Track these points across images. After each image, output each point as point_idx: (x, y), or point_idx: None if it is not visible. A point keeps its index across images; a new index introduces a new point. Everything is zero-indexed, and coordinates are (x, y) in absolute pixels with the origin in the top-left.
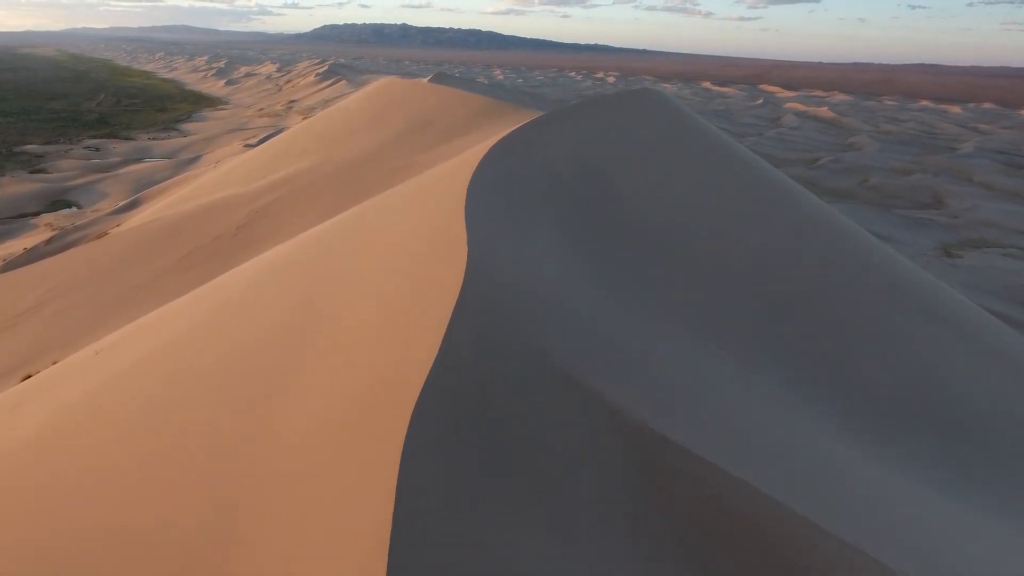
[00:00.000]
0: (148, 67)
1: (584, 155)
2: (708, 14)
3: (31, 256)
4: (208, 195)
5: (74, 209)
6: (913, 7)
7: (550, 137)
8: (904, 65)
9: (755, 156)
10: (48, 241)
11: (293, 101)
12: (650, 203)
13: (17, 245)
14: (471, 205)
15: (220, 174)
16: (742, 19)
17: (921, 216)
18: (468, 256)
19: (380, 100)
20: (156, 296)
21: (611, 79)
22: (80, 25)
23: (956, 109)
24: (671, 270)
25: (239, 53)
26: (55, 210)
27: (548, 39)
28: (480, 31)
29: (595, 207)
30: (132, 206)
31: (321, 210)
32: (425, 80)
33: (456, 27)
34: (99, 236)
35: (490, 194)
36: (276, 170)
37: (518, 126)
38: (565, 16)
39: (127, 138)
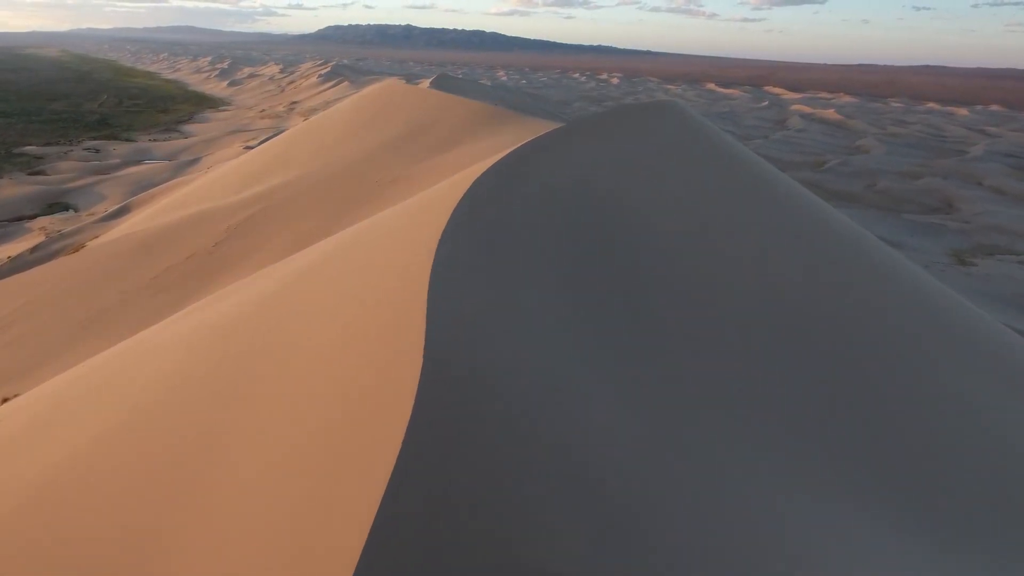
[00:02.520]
0: (152, 68)
1: (589, 182)
2: (712, 15)
3: (15, 265)
4: (191, 206)
5: (71, 212)
6: (917, 8)
7: (551, 157)
8: (909, 66)
9: (782, 174)
10: (33, 249)
11: (295, 102)
12: (664, 231)
13: (11, 249)
14: (442, 265)
15: (207, 181)
16: (746, 20)
17: (931, 221)
18: (424, 356)
19: (374, 106)
20: (123, 320)
21: (615, 80)
22: (85, 26)
23: (963, 111)
24: (684, 324)
25: (243, 54)
26: (52, 213)
27: (552, 40)
28: (484, 32)
29: (599, 244)
30: (121, 212)
31: (300, 229)
32: (422, 83)
33: (460, 28)
34: (76, 249)
35: (475, 234)
36: (261, 179)
37: (516, 147)
38: (569, 17)
39: (128, 139)
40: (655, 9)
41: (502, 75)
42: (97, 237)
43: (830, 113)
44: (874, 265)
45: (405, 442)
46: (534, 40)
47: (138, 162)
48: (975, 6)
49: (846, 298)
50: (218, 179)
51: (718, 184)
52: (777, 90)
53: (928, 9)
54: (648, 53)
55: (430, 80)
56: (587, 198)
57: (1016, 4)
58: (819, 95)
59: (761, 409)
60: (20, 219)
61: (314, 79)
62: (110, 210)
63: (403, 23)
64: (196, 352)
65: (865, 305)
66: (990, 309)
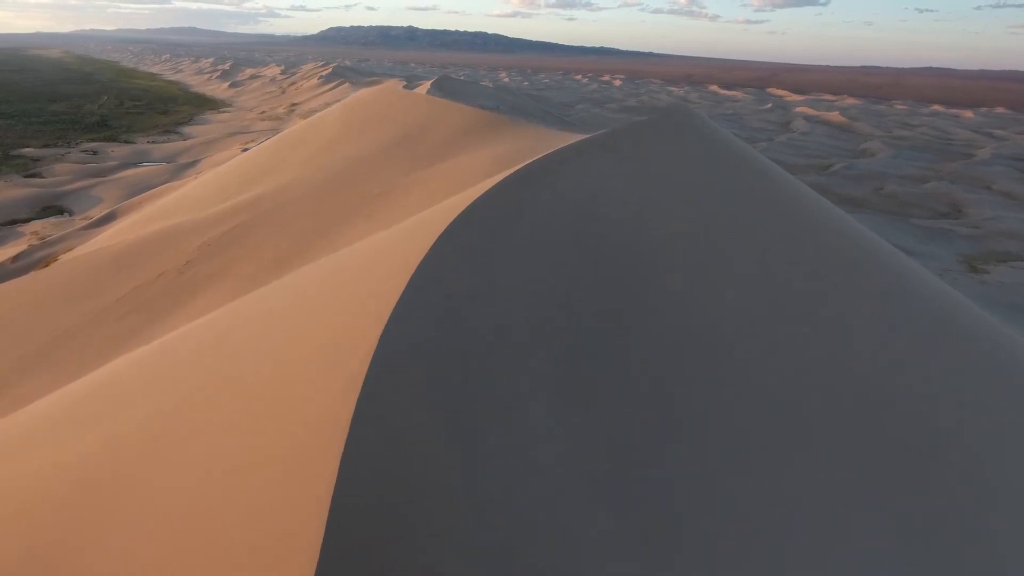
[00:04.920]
0: (154, 69)
1: (593, 212)
2: (714, 17)
3: None
4: (170, 217)
5: (66, 215)
6: (920, 10)
7: (550, 185)
8: (912, 68)
9: (800, 183)
10: (14, 259)
11: (296, 104)
12: (679, 252)
13: (1, 255)
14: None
15: (191, 189)
16: (748, 22)
17: (940, 226)
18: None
19: (364, 112)
20: (85, 345)
21: (618, 82)
22: (88, 27)
23: (968, 114)
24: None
25: (246, 55)
26: (46, 216)
27: (554, 42)
28: (486, 34)
29: (602, 302)
30: (107, 220)
31: (277, 248)
32: (424, 85)
33: (462, 29)
34: (47, 263)
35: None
36: (243, 189)
37: (509, 173)
38: (571, 19)
39: (127, 141)
40: (657, 11)
41: (504, 77)
42: (72, 250)
43: (834, 116)
44: (903, 286)
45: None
46: (536, 42)
47: (136, 164)
48: (978, 8)
49: (874, 320)
50: (201, 187)
51: (736, 194)
52: (780, 92)
53: (930, 11)
54: (650, 55)
55: (431, 81)
56: (589, 231)
57: (1018, 6)
58: (823, 97)
59: (763, 421)
60: (14, 223)
61: (315, 81)
62: (95, 217)
63: (405, 24)
64: (143, 388)
65: (896, 329)
66: (1006, 319)
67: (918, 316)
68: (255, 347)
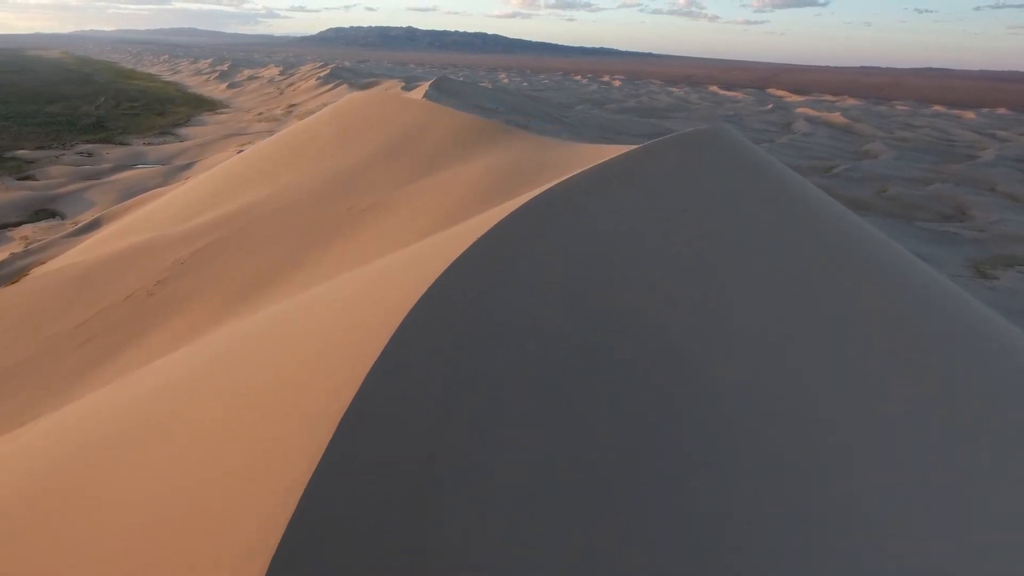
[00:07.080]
0: (152, 70)
1: (606, 257)
2: (714, 17)
3: None
4: (147, 229)
5: (58, 219)
6: (919, 11)
7: (581, 208)
8: (912, 69)
9: (838, 203)
10: None
11: (293, 105)
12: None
13: None
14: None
15: (174, 196)
16: (748, 23)
17: (946, 229)
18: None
19: (353, 118)
20: (44, 374)
21: (617, 83)
22: (88, 27)
23: (970, 115)
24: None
25: (244, 56)
26: (38, 220)
27: (554, 42)
28: (486, 34)
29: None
30: (93, 226)
31: (255, 267)
32: (422, 86)
33: (462, 30)
34: (14, 280)
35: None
36: (222, 200)
37: (513, 211)
38: (571, 20)
39: (122, 143)
40: (656, 11)
41: (504, 77)
42: (45, 263)
43: (836, 116)
44: (908, 287)
45: None
46: (536, 42)
47: (131, 167)
48: (977, 8)
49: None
50: (184, 195)
51: (749, 202)
52: (781, 92)
53: (930, 12)
54: (650, 55)
55: (430, 82)
56: (605, 246)
57: (1018, 7)
58: (824, 98)
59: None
60: (3, 227)
61: (313, 82)
62: (80, 224)
63: (405, 25)
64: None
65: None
66: (1018, 326)
67: (923, 317)
68: (243, 368)
